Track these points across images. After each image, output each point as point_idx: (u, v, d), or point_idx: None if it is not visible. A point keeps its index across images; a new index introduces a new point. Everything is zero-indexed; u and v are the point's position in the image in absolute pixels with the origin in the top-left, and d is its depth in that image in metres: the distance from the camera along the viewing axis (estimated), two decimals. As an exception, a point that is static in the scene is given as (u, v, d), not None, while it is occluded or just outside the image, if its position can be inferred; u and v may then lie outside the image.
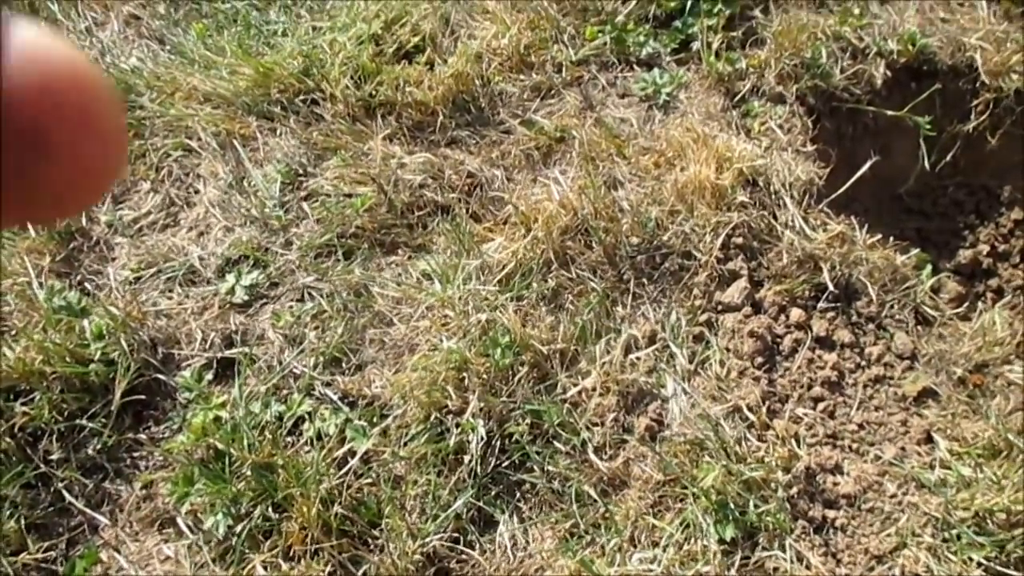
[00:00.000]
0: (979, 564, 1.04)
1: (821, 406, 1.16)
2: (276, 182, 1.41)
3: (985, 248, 1.58)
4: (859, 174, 1.36)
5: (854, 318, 1.25)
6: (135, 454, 1.18)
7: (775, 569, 1.04)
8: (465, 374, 1.15)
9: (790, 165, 1.36)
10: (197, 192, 1.46)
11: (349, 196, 1.38)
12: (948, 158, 1.58)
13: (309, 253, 1.33)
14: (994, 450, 1.12)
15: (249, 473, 1.09)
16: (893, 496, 1.10)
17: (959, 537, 1.05)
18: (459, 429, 1.12)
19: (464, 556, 1.06)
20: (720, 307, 1.23)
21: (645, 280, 1.26)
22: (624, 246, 1.27)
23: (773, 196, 1.33)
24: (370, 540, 1.07)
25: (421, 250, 1.32)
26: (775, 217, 1.31)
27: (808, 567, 1.03)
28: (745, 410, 1.13)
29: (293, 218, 1.38)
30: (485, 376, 1.15)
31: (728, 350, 1.19)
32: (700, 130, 1.37)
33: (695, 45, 1.53)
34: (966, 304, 1.39)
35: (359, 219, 1.34)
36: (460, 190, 1.36)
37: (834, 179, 1.43)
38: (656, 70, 1.52)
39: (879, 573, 1.04)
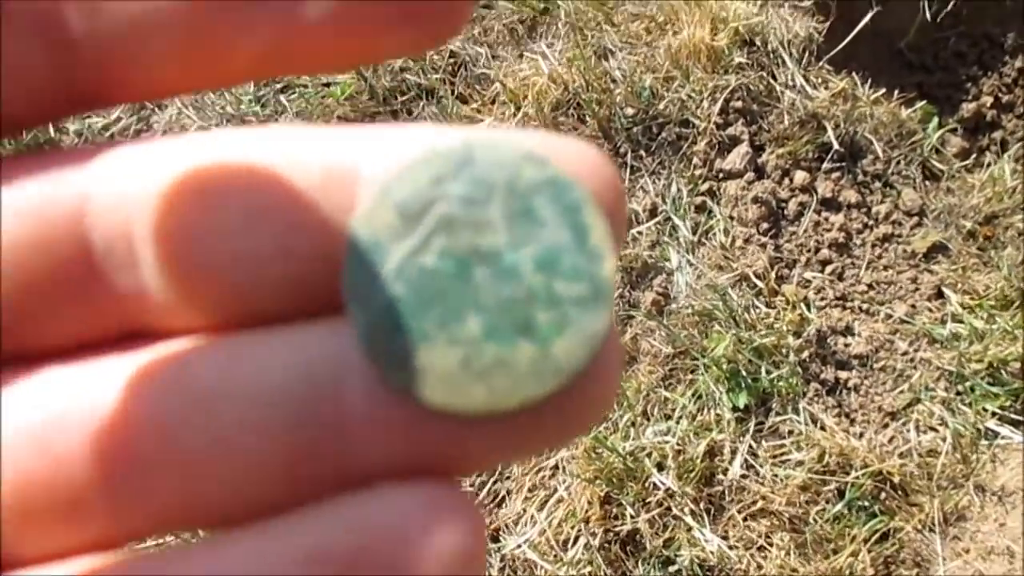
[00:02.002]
0: (993, 414, 1.04)
1: (829, 268, 1.14)
2: (249, 76, 1.34)
3: (988, 100, 1.53)
4: (860, 26, 1.30)
5: (860, 177, 1.21)
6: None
7: (789, 432, 1.03)
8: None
9: (787, 21, 1.29)
10: (167, 93, 1.39)
11: (328, 85, 1.31)
12: (950, 7, 1.51)
13: (291, 148, 1.27)
14: (1006, 301, 1.10)
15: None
16: (905, 353, 1.09)
17: (973, 389, 1.05)
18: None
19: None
20: (721, 174, 1.19)
21: (643, 152, 1.21)
22: (619, 118, 1.22)
23: (771, 55, 1.27)
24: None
25: (407, 136, 1.26)
26: (774, 77, 1.25)
27: (823, 428, 1.03)
28: (752, 277, 1.11)
29: (271, 113, 1.32)
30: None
31: (732, 218, 1.16)
32: (692, -10, 1.30)
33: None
34: (972, 158, 1.35)
35: (340, 109, 1.28)
36: (443, 71, 1.30)
37: (831, 36, 1.36)
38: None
39: (894, 429, 1.04)
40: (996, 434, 1.02)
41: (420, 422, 0.13)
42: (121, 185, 0.14)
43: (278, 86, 1.34)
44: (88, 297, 0.14)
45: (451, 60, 1.31)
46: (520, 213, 0.13)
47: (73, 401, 0.13)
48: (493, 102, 1.27)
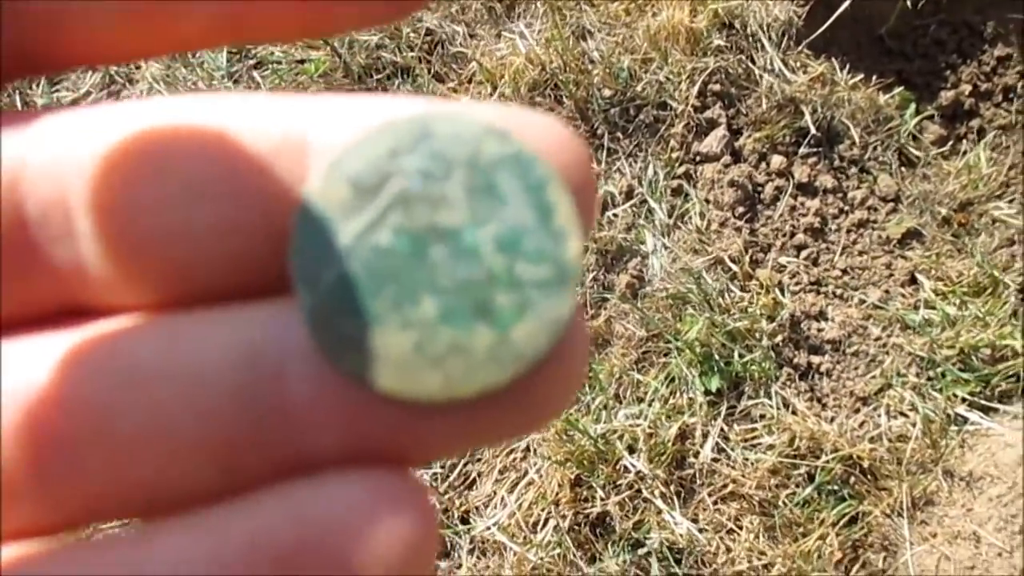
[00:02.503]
0: (963, 400, 1.04)
1: (804, 253, 1.13)
2: (222, 51, 1.32)
3: (967, 88, 1.53)
4: (840, 11, 1.29)
5: (836, 162, 1.21)
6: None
7: (761, 416, 1.03)
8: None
9: (767, 5, 1.28)
10: (139, 68, 1.36)
11: (302, 62, 1.29)
12: (930, -7, 1.50)
13: (264, 125, 1.25)
14: (979, 287, 1.10)
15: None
16: (878, 339, 1.09)
17: (944, 375, 1.05)
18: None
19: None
20: (698, 157, 1.18)
21: (620, 134, 1.20)
22: (596, 99, 1.21)
23: (750, 39, 1.26)
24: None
25: (382, 115, 1.25)
26: (753, 61, 1.24)
27: (794, 412, 1.03)
28: (727, 261, 1.10)
29: (244, 89, 1.30)
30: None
31: (708, 201, 1.15)
32: (672, -29, 1.28)
33: None
34: (948, 145, 1.35)
35: (314, 86, 1.26)
36: (420, 49, 1.28)
37: (811, 20, 1.36)
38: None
39: (864, 414, 1.04)
40: (965, 420, 1.02)
41: (370, 408, 0.12)
42: (58, 151, 0.13)
43: (251, 62, 1.32)
44: (22, 270, 0.13)
45: (427, 38, 1.30)
46: (481, 190, 0.12)
47: (3, 379, 0.13)
48: (470, 81, 1.25)
